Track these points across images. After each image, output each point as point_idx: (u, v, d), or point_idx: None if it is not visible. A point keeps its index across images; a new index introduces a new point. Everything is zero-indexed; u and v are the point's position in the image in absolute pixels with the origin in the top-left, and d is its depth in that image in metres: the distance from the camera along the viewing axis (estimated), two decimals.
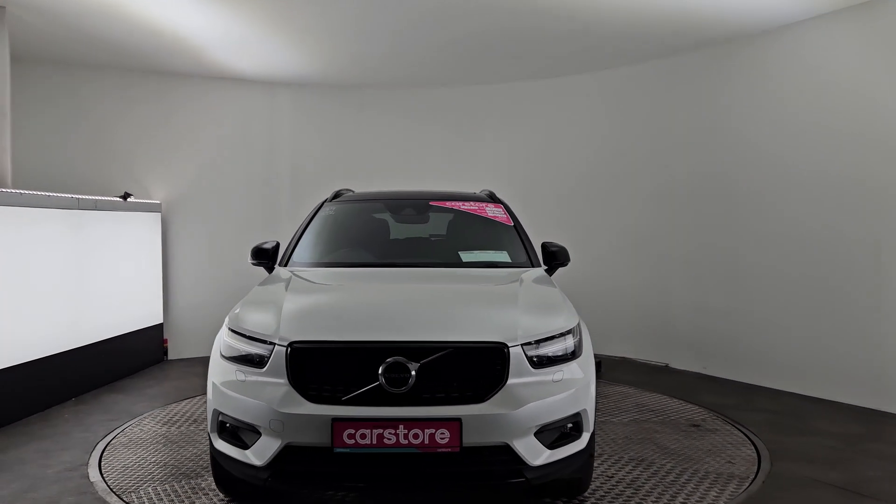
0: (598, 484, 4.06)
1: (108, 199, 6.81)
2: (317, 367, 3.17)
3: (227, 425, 3.30)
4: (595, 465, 4.27)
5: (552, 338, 3.36)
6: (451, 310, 3.52)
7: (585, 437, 3.36)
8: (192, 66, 7.74)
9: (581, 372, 3.38)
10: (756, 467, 4.39)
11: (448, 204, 4.97)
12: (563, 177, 8.46)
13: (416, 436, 2.98)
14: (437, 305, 3.60)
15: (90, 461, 4.50)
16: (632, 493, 3.93)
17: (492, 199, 5.09)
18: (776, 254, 6.48)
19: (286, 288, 3.81)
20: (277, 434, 3.06)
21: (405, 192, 5.38)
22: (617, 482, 4.11)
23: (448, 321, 3.36)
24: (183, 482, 4.12)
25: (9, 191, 5.45)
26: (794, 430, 5.20)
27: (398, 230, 5.08)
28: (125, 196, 7.13)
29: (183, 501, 3.83)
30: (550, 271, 4.62)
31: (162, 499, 3.88)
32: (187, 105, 8.14)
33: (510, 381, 3.16)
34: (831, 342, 6.04)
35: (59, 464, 4.47)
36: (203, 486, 4.03)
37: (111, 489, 4.02)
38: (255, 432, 3.15)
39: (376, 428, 2.98)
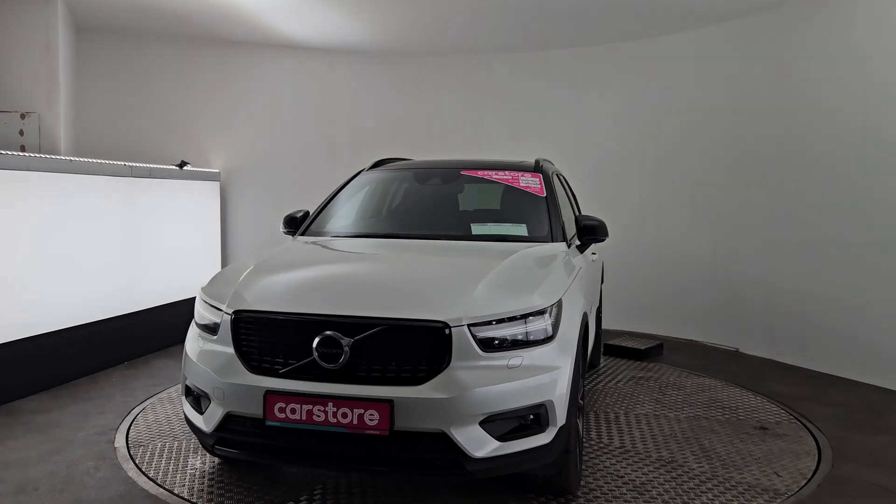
0: (598, 483, 3.68)
1: (163, 167, 6.88)
2: (259, 337, 3.10)
3: (191, 390, 3.32)
4: (612, 461, 3.96)
5: (511, 319, 3.00)
6: (401, 285, 3.28)
7: (552, 431, 3.00)
8: (250, 33, 7.71)
9: (550, 359, 3.04)
10: (814, 466, 3.96)
11: (479, 173, 4.65)
12: (630, 147, 7.94)
13: (344, 415, 2.84)
14: (389, 280, 3.38)
15: (121, 426, 4.55)
16: (632, 498, 3.51)
17: (534, 168, 4.66)
18: (861, 235, 5.83)
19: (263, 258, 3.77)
20: (220, 402, 3.07)
21: (441, 162, 5.11)
22: (624, 483, 3.69)
23: (390, 297, 3.13)
24: (192, 440, 4.16)
25: (60, 158, 5.56)
26: (866, 427, 4.68)
27: (426, 200, 4.81)
28: (181, 164, 7.20)
29: (181, 457, 3.83)
30: (584, 247, 4.27)
31: (164, 454, 3.96)
32: (246, 73, 8.15)
33: (453, 363, 2.89)
34: None
35: (92, 427, 4.53)
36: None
37: (130, 455, 4.03)
38: (207, 398, 3.17)
39: (306, 404, 2.88)
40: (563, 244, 4.06)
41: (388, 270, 3.59)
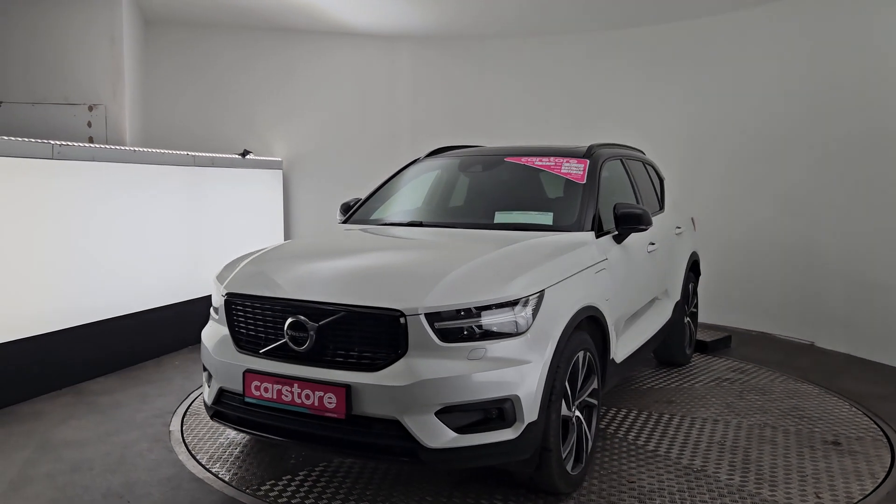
0: (601, 485, 3.50)
1: (226, 156, 7.03)
2: (245, 319, 3.30)
3: (204, 366, 3.58)
4: (633, 464, 3.75)
5: (475, 309, 2.92)
6: (371, 273, 3.27)
7: (518, 427, 2.91)
8: (312, 22, 7.76)
9: (518, 352, 2.94)
10: (886, 472, 3.68)
11: (523, 160, 4.51)
12: (702, 132, 7.59)
13: (307, 396, 2.98)
14: (363, 268, 3.37)
15: (178, 409, 4.67)
16: (629, 502, 3.31)
17: (585, 154, 4.42)
18: None
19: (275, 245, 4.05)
20: (216, 378, 3.36)
21: (489, 149, 5.01)
22: (630, 488, 3.47)
23: (354, 284, 3.14)
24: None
25: (125, 148, 5.74)
26: None
27: (463, 188, 4.76)
28: (244, 153, 7.33)
29: (231, 442, 3.85)
30: (620, 237, 4.06)
31: (215, 439, 4.00)
32: (308, 62, 8.22)
33: (411, 352, 2.89)
34: None
35: (151, 409, 4.67)
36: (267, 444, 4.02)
37: (182, 439, 4.13)
38: (209, 374, 3.47)
39: (276, 384, 3.06)
40: (590, 234, 3.85)
41: (370, 259, 3.59)
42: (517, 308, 2.99)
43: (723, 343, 6.48)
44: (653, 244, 4.69)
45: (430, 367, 2.85)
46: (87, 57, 6.08)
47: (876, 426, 4.42)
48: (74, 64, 6.04)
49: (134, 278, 5.71)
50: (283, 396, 3.03)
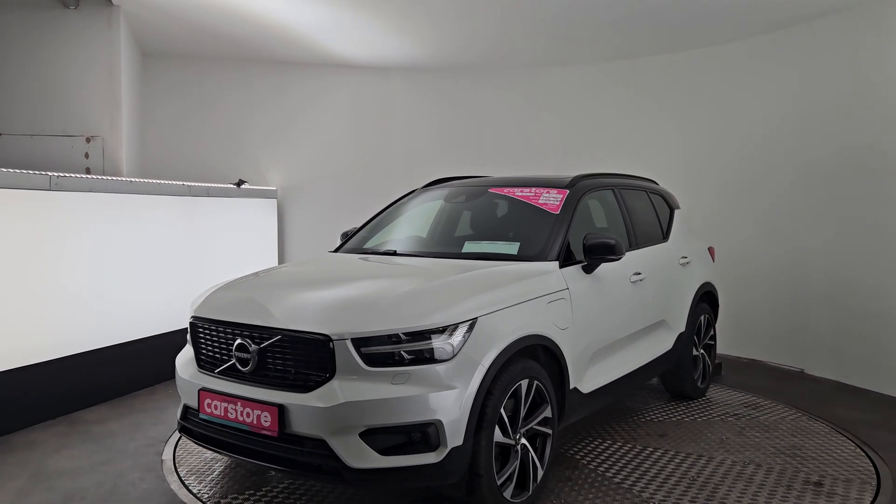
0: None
1: (221, 185, 7.12)
2: (205, 340, 3.54)
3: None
4: (582, 496, 3.73)
5: (406, 335, 3.05)
6: (310, 299, 3.43)
7: (441, 451, 3.00)
8: (305, 54, 7.91)
9: (446, 378, 3.03)
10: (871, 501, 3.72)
11: (505, 191, 4.64)
12: (690, 159, 7.73)
13: (247, 414, 3.18)
14: (306, 294, 3.54)
15: (170, 438, 4.69)
16: None
17: (566, 185, 4.48)
18: None
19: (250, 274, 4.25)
20: (182, 395, 3.64)
21: (477, 180, 5.12)
22: None
23: (292, 309, 3.32)
24: (242, 465, 4.17)
25: (121, 179, 5.82)
26: None
27: (444, 219, 4.91)
28: (239, 183, 7.42)
29: (224, 472, 3.86)
30: (590, 267, 4.09)
31: (207, 468, 3.97)
32: (303, 93, 8.35)
33: (338, 375, 3.05)
34: None
35: (143, 438, 4.69)
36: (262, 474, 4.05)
37: (175, 468, 4.15)
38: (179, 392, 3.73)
39: (223, 402, 3.28)
40: (553, 264, 3.90)
41: (319, 286, 3.72)
42: (444, 335, 3.10)
43: (715, 371, 6.52)
44: (638, 274, 4.65)
45: (355, 389, 2.99)
46: (86, 90, 6.19)
47: (870, 464, 4.26)
48: (73, 97, 6.15)
49: (129, 307, 5.75)
50: (228, 414, 3.25)
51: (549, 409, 3.59)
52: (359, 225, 5.07)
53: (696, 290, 5.46)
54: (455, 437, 3.02)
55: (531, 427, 3.51)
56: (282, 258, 8.21)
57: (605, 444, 4.60)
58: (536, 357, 3.61)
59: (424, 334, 3.08)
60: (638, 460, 4.31)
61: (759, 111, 7.07)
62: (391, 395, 2.97)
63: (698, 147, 7.65)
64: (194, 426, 3.51)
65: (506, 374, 3.28)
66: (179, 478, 4.00)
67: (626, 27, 6.90)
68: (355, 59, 8.09)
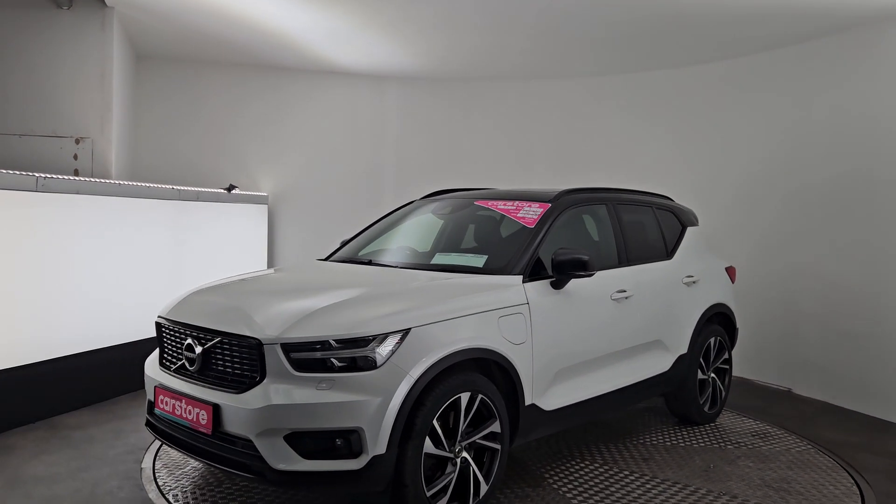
0: None
1: (212, 190, 7.07)
2: (166, 339, 3.71)
3: None
4: None
5: (337, 342, 3.12)
6: (254, 303, 3.51)
7: (364, 458, 3.05)
8: (299, 61, 7.89)
9: (371, 386, 3.08)
10: None
11: (489, 204, 4.65)
12: (680, 177, 7.73)
13: (189, 411, 3.34)
14: (252, 298, 3.66)
15: (151, 446, 4.63)
16: None
17: (549, 199, 4.41)
18: None
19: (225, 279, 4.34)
20: (147, 391, 3.77)
21: (467, 193, 5.13)
22: None
23: (234, 313, 3.43)
24: (220, 473, 4.11)
25: (111, 182, 5.76)
26: None
27: (425, 230, 4.97)
28: (230, 188, 7.38)
29: (204, 482, 3.80)
30: (560, 283, 4.01)
31: (187, 477, 3.89)
32: (296, 99, 8.33)
33: (268, 378, 3.14)
34: None
35: (123, 445, 4.63)
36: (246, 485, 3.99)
37: (154, 477, 4.08)
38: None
39: (171, 398, 3.46)
40: (516, 278, 3.86)
41: (272, 292, 3.85)
42: (372, 344, 3.14)
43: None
44: (623, 291, 4.50)
45: (282, 393, 3.08)
46: (77, 91, 6.15)
47: (811, 445, 4.37)
48: (64, 97, 6.10)
49: (115, 311, 5.69)
50: (176, 410, 3.43)
51: (496, 423, 3.55)
52: (353, 234, 5.09)
53: (703, 310, 5.25)
54: (377, 445, 3.07)
55: (475, 441, 3.48)
56: (270, 265, 8.16)
57: (582, 464, 4.47)
58: (489, 371, 3.59)
59: (354, 342, 3.14)
60: (606, 483, 4.18)
61: (755, 129, 7.09)
62: (315, 401, 3.04)
63: (694, 164, 7.65)
64: (156, 421, 3.66)
65: (442, 386, 3.28)
66: (158, 487, 3.94)
67: (622, 42, 6.91)
68: (349, 65, 8.08)
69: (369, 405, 3.06)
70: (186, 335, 3.50)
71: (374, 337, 3.15)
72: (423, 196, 5.39)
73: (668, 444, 4.98)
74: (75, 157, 6.16)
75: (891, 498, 4.11)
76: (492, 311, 3.62)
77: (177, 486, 3.95)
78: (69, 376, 5.26)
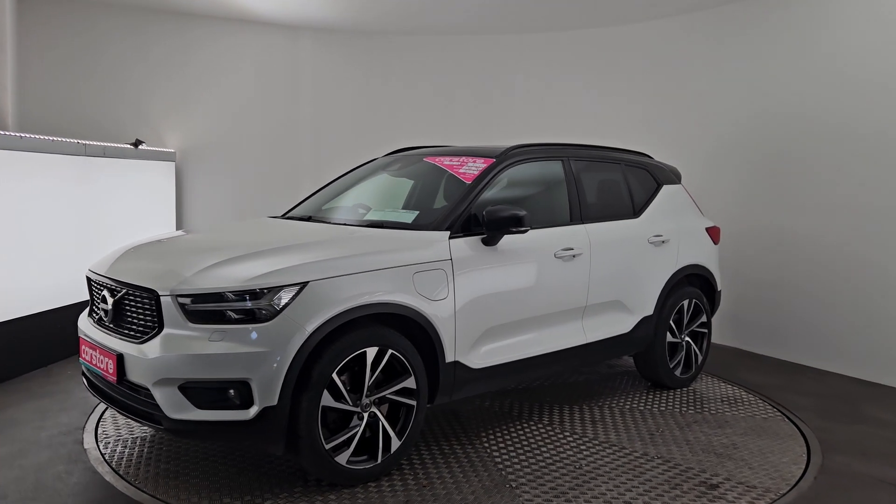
0: (392, 482, 3.61)
1: (118, 146, 6.47)
2: (93, 292, 3.77)
3: None
4: (435, 468, 3.67)
5: (233, 294, 3.15)
6: (160, 256, 3.67)
7: (254, 409, 3.09)
8: (208, 5, 7.29)
9: (262, 338, 3.11)
10: (805, 460, 4.00)
11: (436, 160, 4.58)
12: (622, 137, 7.90)
13: (101, 361, 3.42)
14: (161, 251, 3.79)
15: (87, 425, 4.24)
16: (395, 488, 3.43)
17: (496, 154, 4.31)
18: (828, 226, 5.96)
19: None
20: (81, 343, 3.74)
21: (419, 150, 5.04)
22: (412, 489, 3.47)
23: (140, 266, 3.56)
24: (166, 439, 3.85)
25: (9, 133, 5.12)
26: (844, 418, 4.77)
27: (372, 187, 4.90)
28: (136, 143, 6.79)
29: (158, 456, 3.54)
30: (492, 240, 3.93)
31: (140, 454, 3.63)
32: (204, 48, 7.72)
33: (166, 329, 3.20)
34: (883, 322, 5.58)
35: (54, 426, 4.21)
36: (203, 448, 3.74)
37: (104, 458, 3.75)
38: None
39: (88, 348, 3.57)
40: (443, 234, 3.80)
41: (185, 247, 3.88)
42: (265, 297, 3.17)
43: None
44: (569, 249, 4.36)
45: (175, 343, 3.14)
46: None
47: (739, 387, 4.74)
48: None
49: (13, 280, 5.11)
50: (92, 359, 3.51)
51: (411, 380, 3.54)
52: (279, 193, 5.11)
53: (673, 271, 5.09)
54: (267, 397, 3.09)
55: (385, 396, 3.47)
56: (180, 224, 7.62)
57: (526, 425, 4.40)
58: (406, 327, 3.56)
59: (249, 294, 3.16)
60: (539, 443, 4.11)
61: (702, 99, 7.32)
62: (206, 352, 3.08)
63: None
64: (86, 371, 3.69)
65: (343, 340, 3.29)
66: (112, 468, 3.62)
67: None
68: (263, 14, 7.56)
69: (259, 357, 3.09)
70: (103, 287, 3.57)
71: (270, 289, 3.17)
72: (385, 154, 5.27)
73: (628, 407, 4.85)
74: None
75: (826, 433, 4.47)
76: (405, 267, 3.56)
77: (129, 464, 3.64)
78: None
